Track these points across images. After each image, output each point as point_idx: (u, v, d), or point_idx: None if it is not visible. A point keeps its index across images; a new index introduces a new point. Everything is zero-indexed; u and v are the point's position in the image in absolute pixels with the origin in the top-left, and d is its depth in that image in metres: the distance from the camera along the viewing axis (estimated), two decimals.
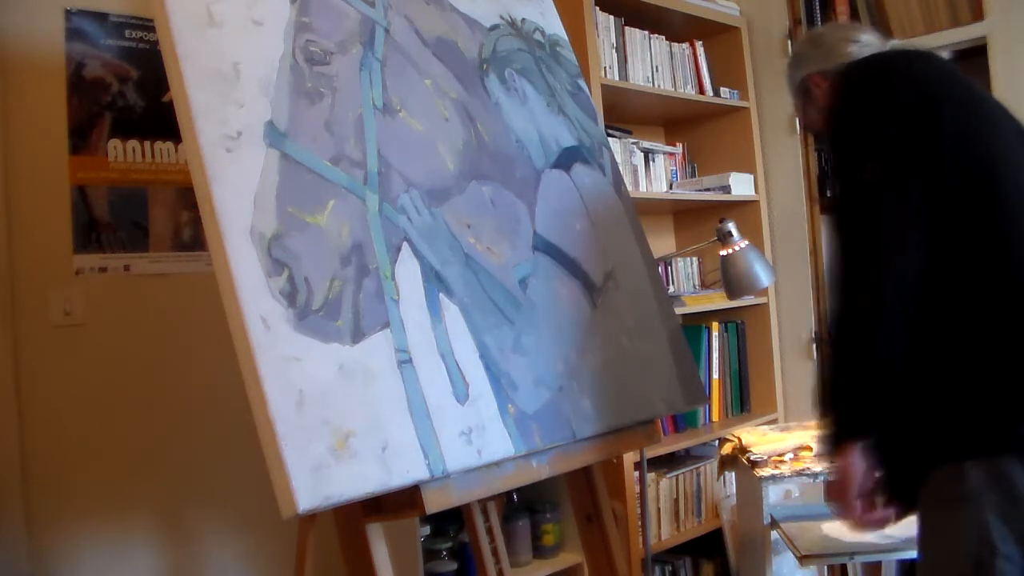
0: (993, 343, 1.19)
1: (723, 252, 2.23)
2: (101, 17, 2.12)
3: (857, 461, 1.26)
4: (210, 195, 1.25)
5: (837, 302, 1.26)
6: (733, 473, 2.65)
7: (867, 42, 1.51)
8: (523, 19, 1.94)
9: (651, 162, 2.95)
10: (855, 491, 1.28)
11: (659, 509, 2.67)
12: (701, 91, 3.03)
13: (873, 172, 1.22)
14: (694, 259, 3.18)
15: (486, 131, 1.70)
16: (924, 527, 1.28)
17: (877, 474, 1.30)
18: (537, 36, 1.95)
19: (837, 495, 1.30)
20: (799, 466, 2.14)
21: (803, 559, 2.02)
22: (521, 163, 1.73)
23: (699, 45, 3.05)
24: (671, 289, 3.00)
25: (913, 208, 1.20)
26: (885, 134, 1.24)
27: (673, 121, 3.24)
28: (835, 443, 1.28)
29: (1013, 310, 1.19)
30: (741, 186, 2.99)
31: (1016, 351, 1.18)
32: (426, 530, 2.31)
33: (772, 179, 3.10)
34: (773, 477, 2.14)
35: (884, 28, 2.75)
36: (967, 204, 1.21)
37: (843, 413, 1.28)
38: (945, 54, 2.60)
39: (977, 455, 1.19)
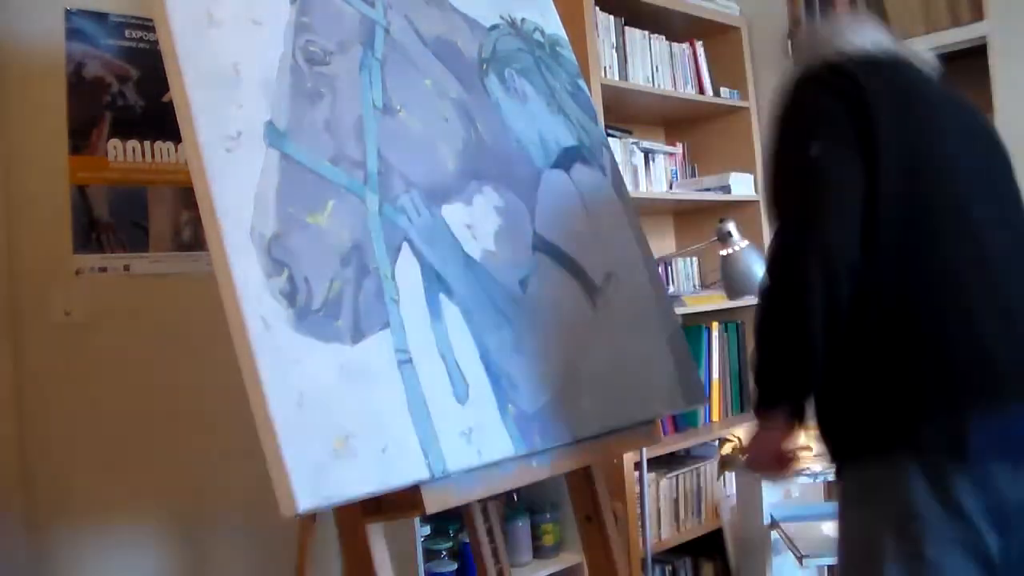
0: (899, 340, 1.21)
1: (723, 252, 2.23)
2: (101, 17, 2.12)
3: (776, 428, 1.32)
4: (210, 195, 1.25)
5: (767, 264, 1.29)
6: (733, 473, 2.65)
7: (859, 42, 1.42)
8: (523, 19, 1.94)
9: (651, 162, 2.95)
10: (772, 455, 1.35)
11: (659, 509, 2.67)
12: (701, 91, 3.03)
13: (817, 149, 1.25)
14: (694, 259, 3.18)
15: (486, 131, 1.70)
16: (839, 519, 1.31)
17: (799, 439, 1.37)
18: (537, 36, 1.95)
19: (754, 456, 1.38)
20: (799, 466, 2.14)
21: (803, 559, 2.02)
22: (521, 163, 1.73)
23: (699, 45, 3.05)
24: (671, 289, 3.00)
25: (852, 185, 1.23)
26: (833, 119, 1.27)
27: (673, 121, 3.24)
28: (758, 408, 1.33)
29: (921, 311, 1.21)
30: (741, 186, 2.99)
31: (917, 350, 1.20)
32: (426, 530, 2.30)
33: None
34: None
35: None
36: (900, 202, 1.23)
37: (763, 379, 1.31)
38: (944, 55, 2.60)
39: (875, 455, 1.22)
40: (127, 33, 2.16)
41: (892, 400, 1.21)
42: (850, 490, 1.28)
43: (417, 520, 2.10)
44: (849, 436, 1.28)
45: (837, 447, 1.31)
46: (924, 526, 1.16)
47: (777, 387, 1.30)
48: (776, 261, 1.27)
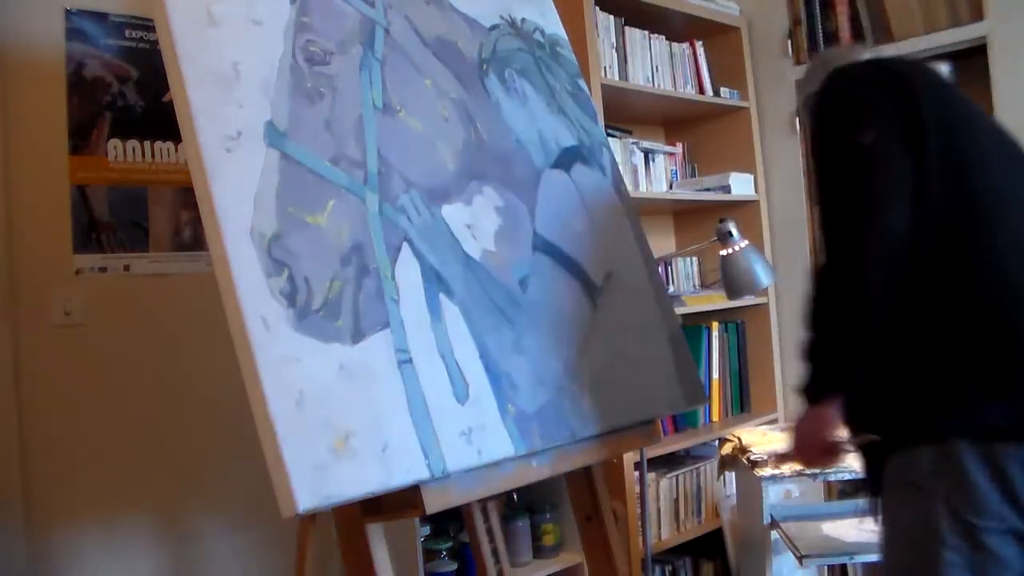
0: (953, 330, 1.22)
1: (723, 252, 2.23)
2: (101, 17, 2.12)
3: (826, 414, 1.31)
4: (210, 195, 1.25)
5: (824, 252, 1.30)
6: (733, 473, 2.65)
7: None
8: (523, 19, 1.94)
9: (651, 162, 2.95)
10: (821, 443, 1.33)
11: (659, 509, 2.67)
12: (701, 91, 3.03)
13: (870, 136, 1.28)
14: (694, 259, 3.18)
15: (486, 131, 1.70)
16: (884, 509, 1.31)
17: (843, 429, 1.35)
18: (537, 36, 1.95)
19: (801, 445, 1.36)
20: (799, 466, 2.14)
21: (803, 559, 2.02)
22: (521, 163, 1.73)
23: (699, 45, 3.05)
24: (671, 289, 3.00)
25: (903, 172, 1.25)
26: (879, 107, 1.29)
27: (673, 121, 3.24)
28: (811, 395, 1.32)
29: (974, 299, 1.23)
30: (741, 186, 2.99)
31: (973, 338, 1.21)
32: (426, 530, 2.30)
33: (772, 179, 3.10)
34: (773, 477, 2.14)
35: (884, 28, 2.76)
36: (945, 191, 1.26)
37: (819, 357, 1.31)
38: (944, 55, 2.60)
39: (930, 440, 1.21)
40: (127, 33, 2.16)
41: (947, 384, 1.21)
42: (899, 477, 1.27)
43: (417, 520, 2.10)
44: (900, 423, 1.26)
45: (886, 436, 1.30)
46: (982, 512, 1.16)
47: (833, 364, 1.29)
48: (835, 241, 1.28)
